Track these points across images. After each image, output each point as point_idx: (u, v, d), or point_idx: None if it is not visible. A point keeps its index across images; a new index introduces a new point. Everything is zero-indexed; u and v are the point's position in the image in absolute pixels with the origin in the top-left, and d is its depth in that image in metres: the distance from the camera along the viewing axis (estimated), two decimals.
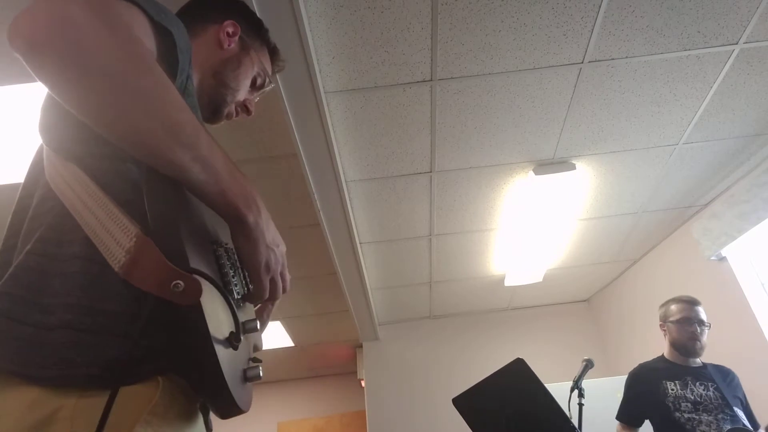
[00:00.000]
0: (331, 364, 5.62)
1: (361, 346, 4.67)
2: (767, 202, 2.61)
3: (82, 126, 0.58)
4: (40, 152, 0.70)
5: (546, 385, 1.67)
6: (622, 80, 2.10)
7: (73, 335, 0.50)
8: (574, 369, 2.15)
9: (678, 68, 2.07)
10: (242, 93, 0.94)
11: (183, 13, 0.95)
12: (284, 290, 0.68)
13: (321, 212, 2.52)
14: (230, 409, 0.53)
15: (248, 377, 0.58)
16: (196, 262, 0.52)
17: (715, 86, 2.18)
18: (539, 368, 1.99)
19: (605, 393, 3.06)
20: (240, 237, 0.61)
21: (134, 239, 0.50)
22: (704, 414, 2.03)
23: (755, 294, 2.87)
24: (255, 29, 0.98)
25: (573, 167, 2.58)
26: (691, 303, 2.23)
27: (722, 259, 3.02)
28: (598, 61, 1.99)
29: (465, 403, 1.79)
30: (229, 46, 0.91)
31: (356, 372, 5.17)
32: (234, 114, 0.95)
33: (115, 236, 0.51)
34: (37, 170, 0.67)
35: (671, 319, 2.24)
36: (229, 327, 0.54)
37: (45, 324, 0.51)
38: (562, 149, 2.49)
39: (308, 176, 2.23)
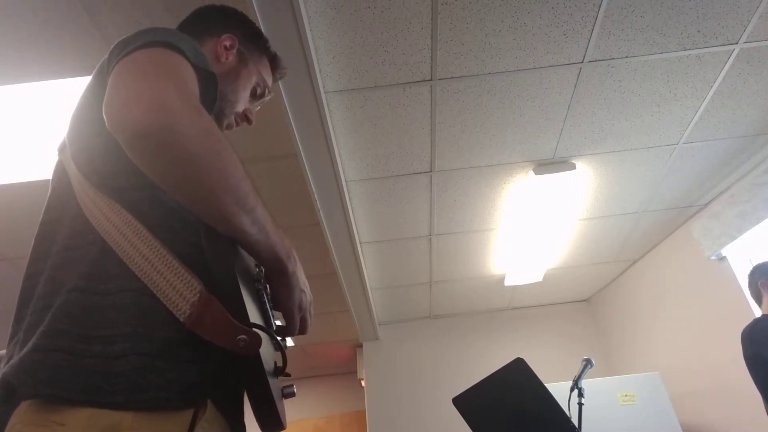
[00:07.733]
0: (331, 364, 5.61)
1: (361, 346, 4.66)
2: (767, 202, 2.61)
3: (124, 160, 0.62)
4: (61, 176, 0.71)
5: (546, 384, 1.68)
6: (622, 80, 2.10)
7: (139, 361, 0.54)
8: (573, 369, 2.15)
9: (678, 68, 2.07)
10: (241, 104, 0.95)
11: (183, 27, 0.95)
12: (309, 325, 0.75)
13: (321, 212, 2.52)
14: (276, 426, 0.59)
15: (285, 394, 0.65)
16: (253, 315, 0.58)
17: (715, 86, 2.18)
18: (539, 368, 1.99)
19: (605, 393, 3.06)
20: (280, 283, 0.68)
21: (198, 295, 0.56)
22: None
23: None
24: (254, 40, 0.98)
25: (573, 167, 2.58)
26: None
27: (722, 258, 3.02)
28: (598, 60, 1.99)
29: (465, 402, 1.79)
30: (226, 59, 0.91)
31: (356, 372, 5.17)
32: (234, 125, 0.96)
33: (177, 287, 0.56)
34: (62, 195, 0.68)
35: None
36: (273, 359, 0.63)
37: (109, 353, 0.54)
38: (562, 149, 2.49)
39: (308, 176, 2.23)
